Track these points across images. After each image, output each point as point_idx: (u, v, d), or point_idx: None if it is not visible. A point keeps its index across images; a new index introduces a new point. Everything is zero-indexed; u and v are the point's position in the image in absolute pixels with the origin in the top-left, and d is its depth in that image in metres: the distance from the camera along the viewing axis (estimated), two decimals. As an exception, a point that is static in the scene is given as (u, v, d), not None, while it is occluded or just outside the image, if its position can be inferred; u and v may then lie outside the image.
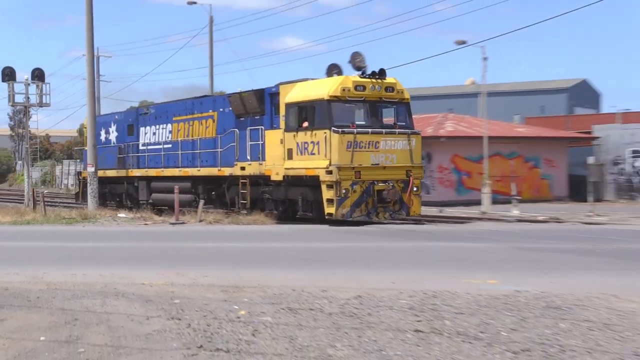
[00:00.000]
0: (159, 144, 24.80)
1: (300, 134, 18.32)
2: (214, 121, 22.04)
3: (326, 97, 17.63)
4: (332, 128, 17.36)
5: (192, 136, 22.98)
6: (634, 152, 34.41)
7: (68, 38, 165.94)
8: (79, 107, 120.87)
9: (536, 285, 9.64)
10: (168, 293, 9.06)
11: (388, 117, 20.35)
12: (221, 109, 21.90)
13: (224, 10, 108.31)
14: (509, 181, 29.13)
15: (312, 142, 17.94)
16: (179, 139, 23.77)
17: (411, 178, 19.02)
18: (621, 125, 35.98)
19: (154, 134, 25.13)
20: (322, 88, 18.08)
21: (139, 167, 26.01)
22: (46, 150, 75.26)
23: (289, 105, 18.74)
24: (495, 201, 26.91)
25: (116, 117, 28.80)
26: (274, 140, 19.08)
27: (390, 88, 19.23)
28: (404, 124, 19.52)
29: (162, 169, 24.24)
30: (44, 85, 29.73)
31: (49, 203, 30.33)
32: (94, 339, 6.44)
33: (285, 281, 10.06)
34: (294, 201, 19.38)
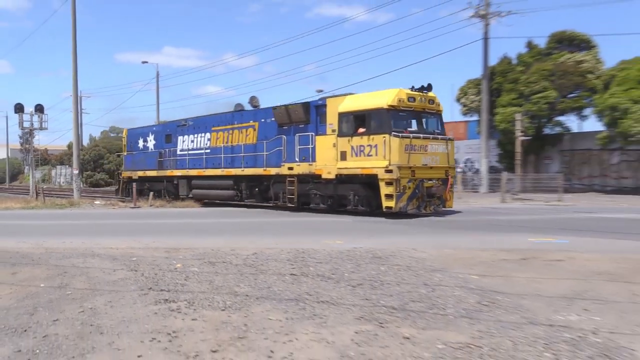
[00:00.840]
0: (198, 149, 28.28)
1: (356, 138, 19.67)
2: (254, 130, 24.81)
3: (385, 106, 19.06)
4: (392, 133, 18.56)
5: (232, 142, 25.93)
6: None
7: (62, 83, 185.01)
8: (68, 130, 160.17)
9: (367, 244, 12.11)
10: (128, 253, 11.05)
11: (428, 126, 21.32)
12: (262, 120, 24.49)
13: (167, 67, 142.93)
14: None
15: (369, 145, 19.26)
16: (218, 145, 26.86)
17: (449, 177, 20.68)
18: None
19: (192, 141, 28.72)
20: (380, 99, 19.45)
21: (177, 168, 29.58)
22: (45, 159, 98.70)
23: (343, 114, 20.19)
24: None
25: (154, 128, 33.26)
26: (325, 144, 20.74)
27: (431, 101, 20.81)
28: (439, 131, 21.23)
29: (204, 170, 27.41)
30: (43, 115, 41.63)
31: (47, 195, 38.86)
32: (77, 285, 8.07)
33: (207, 244, 12.33)
34: (343, 196, 20.89)
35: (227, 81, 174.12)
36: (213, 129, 27.41)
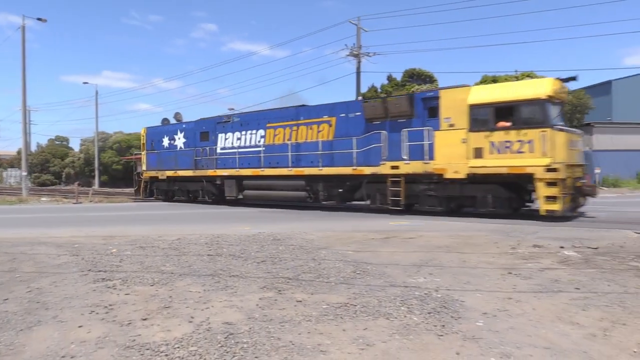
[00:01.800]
0: (249, 147, 21.06)
1: (498, 133, 14.18)
2: (330, 126, 18.23)
3: (544, 97, 13.71)
4: (554, 126, 13.57)
5: (299, 139, 19.19)
6: None
7: (15, 99, 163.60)
8: (17, 138, 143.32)
9: (269, 229, 12.13)
10: (71, 241, 10.31)
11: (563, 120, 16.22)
12: (342, 114, 17.94)
13: (105, 87, 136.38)
14: None
15: (518, 140, 13.87)
16: (277, 142, 19.91)
17: (587, 175, 16.09)
18: None
19: (239, 139, 21.55)
20: (535, 88, 14.16)
21: (220, 168, 22.19)
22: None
23: (477, 107, 14.66)
24: None
25: (183, 126, 24.81)
26: (449, 140, 15.04)
27: (566, 94, 15.99)
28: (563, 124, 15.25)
29: (260, 169, 20.25)
30: (-4, 127, 38.35)
31: (-1, 192, 34.79)
32: (25, 269, 7.53)
33: (139, 232, 11.81)
34: (471, 198, 15.22)
35: (155, 100, 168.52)
36: (269, 125, 20.45)
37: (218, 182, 22.71)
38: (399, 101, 16.53)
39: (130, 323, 4.86)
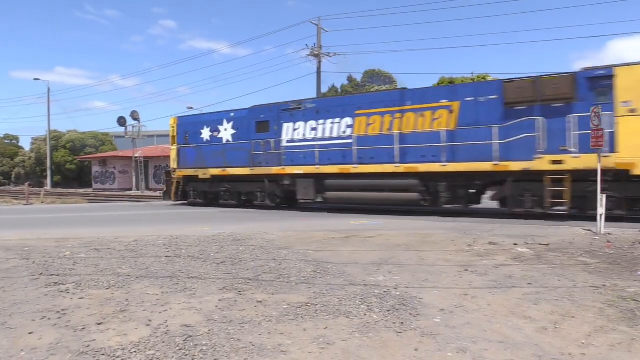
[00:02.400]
0: (331, 139, 17.30)
1: None
2: (451, 112, 14.89)
3: None
4: None
5: (404, 129, 15.67)
6: None
7: None
8: None
9: (229, 229, 11.98)
10: (21, 244, 9.88)
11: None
12: (470, 98, 14.68)
13: (59, 84, 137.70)
14: None
15: None
16: (372, 133, 16.35)
17: None
18: None
19: (314, 129, 17.73)
20: None
21: (290, 164, 18.17)
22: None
23: None
24: None
25: (231, 114, 20.45)
26: (637, 128, 12.19)
27: None
28: None
29: (354, 166, 16.54)
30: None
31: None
32: None
33: (94, 234, 11.43)
34: None
35: (111, 98, 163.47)
36: (359, 112, 16.79)
37: (286, 182, 18.54)
38: (558, 81, 13.52)
39: (84, 328, 4.70)
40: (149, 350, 4.10)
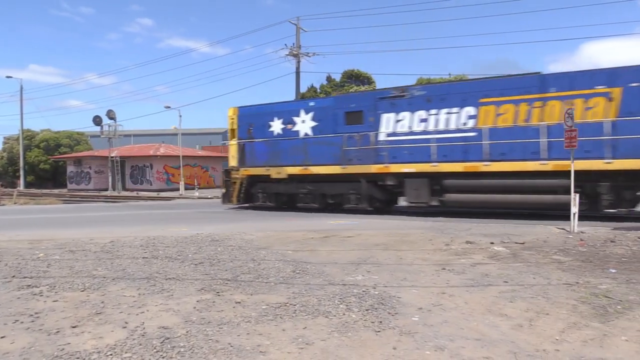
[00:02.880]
0: (443, 132, 14.99)
1: None
2: (610, 100, 12.70)
3: None
4: None
5: (545, 120, 13.44)
6: None
7: None
8: None
9: (207, 230, 11.92)
10: None
11: None
12: (634, 84, 12.52)
13: (32, 82, 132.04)
14: (193, 178, 38.24)
15: None
16: (503, 124, 14.07)
17: None
18: None
19: (424, 120, 15.30)
20: None
21: (394, 162, 15.58)
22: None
23: None
24: (186, 189, 35.01)
25: (311, 104, 18.00)
26: None
27: None
28: None
29: (486, 163, 14.13)
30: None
31: None
32: None
33: (69, 235, 11.25)
34: None
35: (87, 96, 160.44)
36: (483, 101, 14.46)
37: (389, 182, 15.91)
38: None
39: (58, 331, 4.61)
40: (126, 352, 4.04)
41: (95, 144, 56.09)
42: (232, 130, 19.47)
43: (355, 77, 43.13)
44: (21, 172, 51.48)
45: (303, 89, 42.67)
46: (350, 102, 16.93)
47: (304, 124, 17.64)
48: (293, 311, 5.16)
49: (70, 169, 47.75)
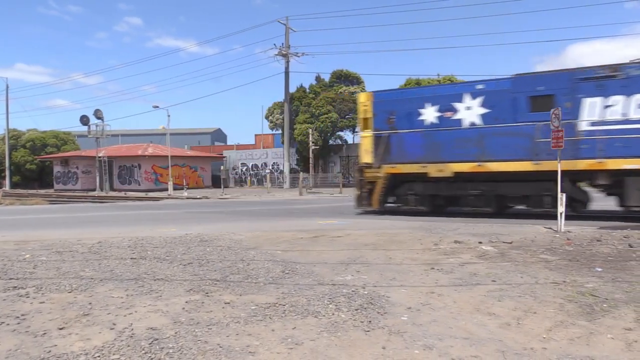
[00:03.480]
0: None
1: None
2: None
3: None
4: None
5: None
6: (241, 163, 48.76)
7: None
8: None
9: (196, 230, 11.88)
10: None
11: None
12: None
13: (19, 81, 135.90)
14: (182, 178, 39.87)
15: None
16: None
17: None
18: (235, 151, 50.70)
19: None
20: None
21: (604, 156, 12.75)
22: None
23: None
24: (175, 189, 35.37)
25: (478, 87, 14.71)
26: None
27: None
28: None
29: None
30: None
31: None
32: None
33: (56, 236, 11.13)
34: None
35: (74, 96, 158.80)
36: None
37: (602, 181, 13.27)
38: None
39: (45, 333, 4.56)
40: (113, 354, 4.01)
41: (83, 144, 55.59)
42: (365, 119, 16.23)
43: (344, 77, 43.16)
44: (7, 173, 50.85)
45: (292, 88, 42.67)
46: (536, 85, 13.96)
47: (470, 111, 14.67)
48: (282, 311, 5.15)
49: (57, 169, 47.27)
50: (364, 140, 16.37)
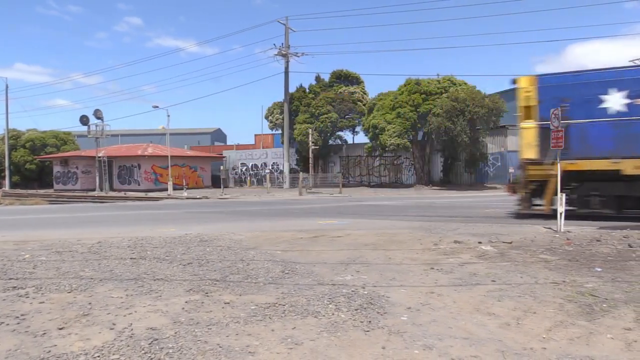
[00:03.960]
0: None
1: None
2: None
3: None
4: None
5: None
6: (241, 163, 48.54)
7: None
8: None
9: (195, 230, 11.86)
10: None
11: None
12: None
13: (18, 81, 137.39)
14: (182, 178, 40.03)
15: None
16: None
17: None
18: (235, 151, 50.72)
19: None
20: None
21: None
22: None
23: None
24: (175, 189, 35.47)
25: None
26: None
27: None
28: None
29: None
30: None
31: None
32: None
33: (55, 236, 11.09)
34: None
35: (74, 96, 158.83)
36: None
37: None
38: None
39: (45, 333, 4.55)
40: (113, 354, 4.00)
41: (82, 144, 55.55)
42: (527, 107, 13.81)
43: (344, 77, 43.13)
44: (7, 173, 50.80)
45: (292, 88, 42.66)
46: None
47: None
48: (282, 311, 5.15)
49: (57, 169, 47.24)
50: (525, 132, 13.79)
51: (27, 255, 8.59)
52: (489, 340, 4.29)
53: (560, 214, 10.93)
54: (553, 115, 11.36)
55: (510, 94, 52.81)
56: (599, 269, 7.03)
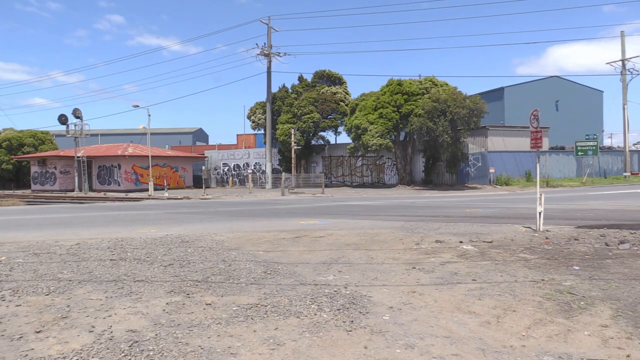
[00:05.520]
0: None
1: None
2: None
3: None
4: None
5: None
6: (223, 164, 48.92)
7: None
8: None
9: (176, 231, 11.82)
10: None
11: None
12: None
13: None
14: (163, 178, 40.34)
15: None
16: None
17: None
18: (217, 151, 50.87)
19: None
20: None
21: None
22: None
23: None
24: (155, 189, 35.78)
25: None
26: None
27: None
28: None
29: None
30: None
31: None
32: None
33: (33, 237, 10.94)
34: None
35: (53, 94, 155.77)
36: None
37: None
38: None
39: (21, 337, 4.47)
40: (92, 357, 3.95)
41: (61, 143, 54.70)
42: None
43: (326, 78, 43.20)
44: (-18, 173, 49.69)
45: (274, 88, 42.58)
46: None
47: None
48: (264, 312, 5.14)
49: (35, 169, 46.41)
50: None
51: (3, 258, 8.42)
52: (469, 338, 4.33)
53: (540, 213, 11.09)
54: (532, 117, 11.54)
55: (492, 95, 53.35)
56: (577, 268, 7.16)
